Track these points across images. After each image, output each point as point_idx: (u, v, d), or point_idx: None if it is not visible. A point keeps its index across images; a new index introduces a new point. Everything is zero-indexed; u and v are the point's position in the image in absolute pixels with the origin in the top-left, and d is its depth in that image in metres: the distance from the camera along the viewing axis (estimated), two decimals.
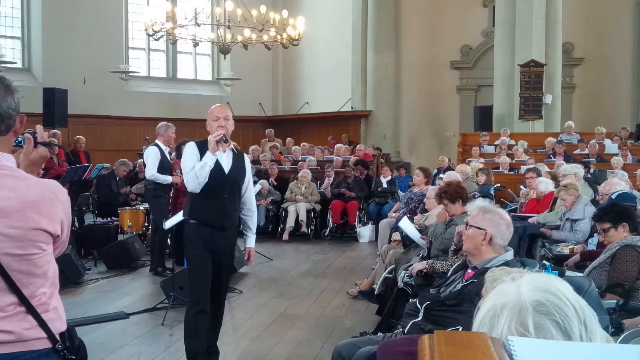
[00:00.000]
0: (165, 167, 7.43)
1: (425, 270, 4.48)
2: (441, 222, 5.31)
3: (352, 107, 17.92)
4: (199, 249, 4.12)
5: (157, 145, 7.44)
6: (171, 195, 8.18)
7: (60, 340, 1.87)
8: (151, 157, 7.34)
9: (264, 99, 19.44)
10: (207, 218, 4.13)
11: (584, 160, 11.09)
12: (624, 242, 4.01)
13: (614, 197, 5.65)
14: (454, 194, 5.12)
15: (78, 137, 12.08)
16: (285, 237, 10.33)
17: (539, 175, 8.15)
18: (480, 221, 3.17)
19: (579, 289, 2.59)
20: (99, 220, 9.31)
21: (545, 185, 7.56)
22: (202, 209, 4.13)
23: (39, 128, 2.08)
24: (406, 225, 5.73)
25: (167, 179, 7.40)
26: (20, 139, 2.01)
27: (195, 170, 4.02)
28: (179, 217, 6.25)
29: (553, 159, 11.50)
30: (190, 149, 4.16)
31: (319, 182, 11.33)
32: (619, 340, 2.91)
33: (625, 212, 4.24)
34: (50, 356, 1.84)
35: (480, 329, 1.17)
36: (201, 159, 4.05)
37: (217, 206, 4.12)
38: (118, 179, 9.74)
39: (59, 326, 1.88)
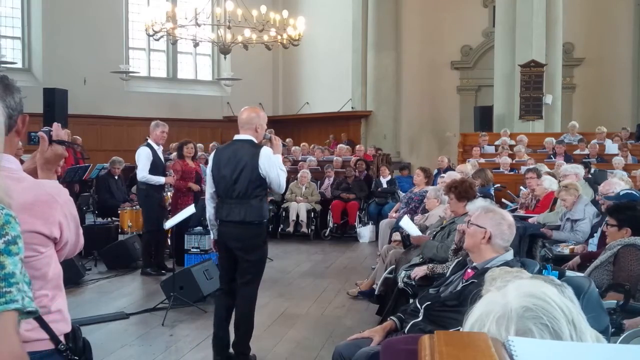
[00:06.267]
0: (158, 166, 7.27)
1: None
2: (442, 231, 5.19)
3: (352, 107, 17.92)
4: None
5: (148, 144, 7.27)
6: (170, 196, 8.16)
7: (62, 341, 1.86)
8: (142, 158, 7.17)
9: (264, 99, 19.41)
10: None
11: (584, 160, 11.07)
12: (625, 242, 4.01)
13: (621, 194, 5.56)
14: (463, 193, 5.07)
15: (75, 137, 12.07)
16: (290, 229, 10.39)
17: (539, 175, 8.12)
18: (481, 219, 3.19)
19: (579, 289, 2.60)
20: (99, 220, 9.31)
21: (543, 187, 7.50)
22: None
23: (56, 126, 2.07)
24: (406, 223, 5.73)
25: (159, 180, 7.24)
26: (38, 137, 2.02)
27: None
28: (179, 217, 6.25)
29: (553, 159, 11.49)
30: (271, 151, 4.32)
31: (318, 182, 11.33)
32: (619, 340, 2.91)
33: (638, 220, 4.14)
34: (52, 357, 1.83)
35: None
36: None
37: None
38: (116, 177, 9.73)
39: (61, 327, 1.87)
